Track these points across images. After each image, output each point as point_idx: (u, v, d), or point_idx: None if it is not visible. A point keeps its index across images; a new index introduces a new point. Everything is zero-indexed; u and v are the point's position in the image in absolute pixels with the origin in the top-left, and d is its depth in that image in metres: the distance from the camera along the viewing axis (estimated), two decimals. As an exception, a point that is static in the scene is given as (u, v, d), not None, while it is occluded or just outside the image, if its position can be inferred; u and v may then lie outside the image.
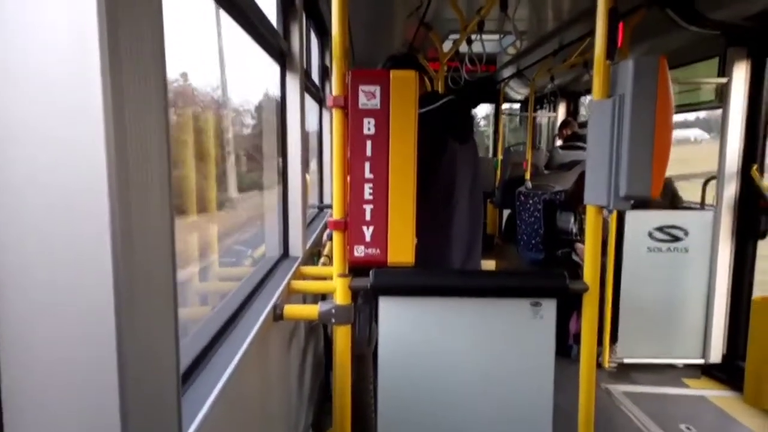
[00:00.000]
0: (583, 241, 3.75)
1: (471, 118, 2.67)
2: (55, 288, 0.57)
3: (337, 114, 1.68)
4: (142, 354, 0.63)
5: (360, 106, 1.67)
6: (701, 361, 3.53)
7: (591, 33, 3.47)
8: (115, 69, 0.55)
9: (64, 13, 0.54)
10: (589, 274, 1.80)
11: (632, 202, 1.75)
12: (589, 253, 1.83)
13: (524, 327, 1.80)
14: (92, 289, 0.57)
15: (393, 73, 1.67)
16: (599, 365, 3.48)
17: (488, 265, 5.37)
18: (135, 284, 0.60)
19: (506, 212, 5.96)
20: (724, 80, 3.36)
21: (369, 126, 1.68)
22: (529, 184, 5.36)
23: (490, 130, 7.58)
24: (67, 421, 0.58)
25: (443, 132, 2.29)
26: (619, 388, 3.35)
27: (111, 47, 0.55)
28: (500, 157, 6.55)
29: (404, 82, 1.69)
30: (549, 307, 1.79)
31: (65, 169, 0.55)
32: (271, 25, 1.85)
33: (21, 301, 0.57)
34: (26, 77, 0.55)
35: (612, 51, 1.74)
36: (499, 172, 6.37)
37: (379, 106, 1.67)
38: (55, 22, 0.54)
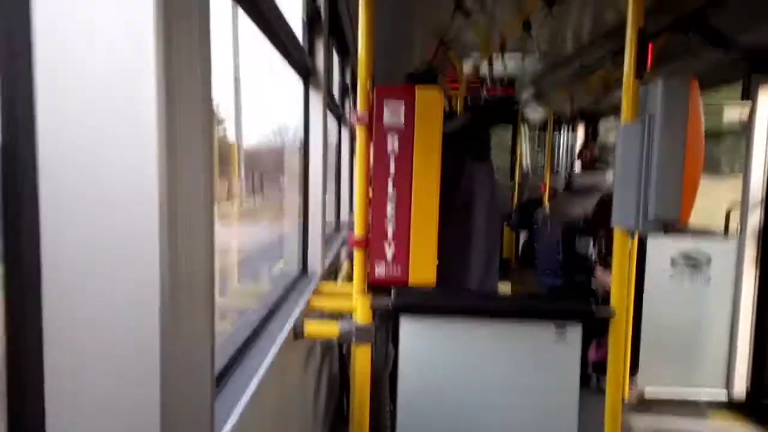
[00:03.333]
0: (602, 267, 3.68)
1: (488, 138, 2.66)
2: (104, 290, 0.57)
3: (361, 131, 1.67)
4: (182, 356, 0.63)
5: (384, 123, 1.66)
6: (724, 393, 3.42)
7: (611, 55, 3.45)
8: (169, 80, 0.56)
9: (122, 18, 0.54)
10: (617, 299, 1.75)
11: (661, 225, 1.71)
12: (616, 277, 1.79)
13: (548, 351, 1.75)
14: (137, 294, 0.57)
15: (419, 90, 1.66)
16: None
17: (504, 287, 5.29)
18: (179, 288, 0.61)
19: (522, 236, 5.90)
20: (747, 103, 3.31)
21: (393, 143, 1.67)
22: (547, 208, 5.31)
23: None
24: (109, 415, 0.59)
25: (461, 151, 2.28)
26: (640, 423, 3.24)
27: (165, 56, 0.55)
28: (518, 180, 6.50)
29: (430, 99, 1.68)
30: (574, 332, 1.74)
31: (117, 172, 0.56)
32: (298, 42, 1.86)
33: (66, 305, 0.57)
34: (83, 80, 0.55)
35: (641, 71, 1.72)
36: (516, 194, 6.31)
37: (403, 123, 1.66)
38: (112, 26, 0.54)
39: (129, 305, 0.57)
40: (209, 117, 0.70)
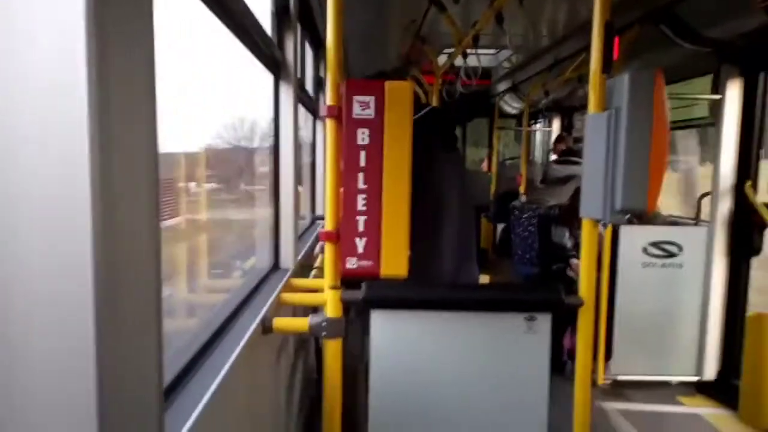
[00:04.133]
0: (578, 256, 3.74)
1: (454, 127, 2.66)
2: (32, 296, 0.54)
3: (330, 124, 1.66)
4: (122, 367, 0.60)
5: (354, 116, 1.65)
6: (696, 378, 3.50)
7: (586, 48, 3.49)
8: (102, 74, 0.54)
9: (52, 17, 0.52)
10: (585, 288, 1.78)
11: (627, 215, 1.74)
12: (584, 267, 1.81)
13: (519, 341, 1.77)
14: (70, 298, 0.54)
15: (388, 84, 1.66)
16: (593, 382, 3.44)
17: (482, 279, 5.33)
18: (116, 295, 0.58)
19: (500, 227, 5.95)
20: (717, 97, 3.38)
21: (363, 136, 1.66)
22: (523, 198, 5.35)
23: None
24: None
25: (427, 141, 2.28)
26: (613, 406, 3.30)
27: (98, 49, 0.53)
28: (494, 171, 6.55)
29: (399, 92, 1.67)
30: (544, 322, 1.76)
31: (46, 173, 0.54)
32: (266, 34, 1.84)
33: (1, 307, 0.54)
34: (10, 81, 0.53)
35: (608, 65, 1.74)
36: (493, 186, 6.36)
37: (373, 117, 1.66)
38: (42, 25, 0.52)
39: (59, 317, 0.55)
40: (152, 114, 0.67)
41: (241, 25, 1.59)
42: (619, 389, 3.51)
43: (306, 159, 3.65)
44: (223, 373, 1.10)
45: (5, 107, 0.53)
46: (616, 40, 1.99)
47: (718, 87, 3.40)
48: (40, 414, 0.56)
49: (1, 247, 0.54)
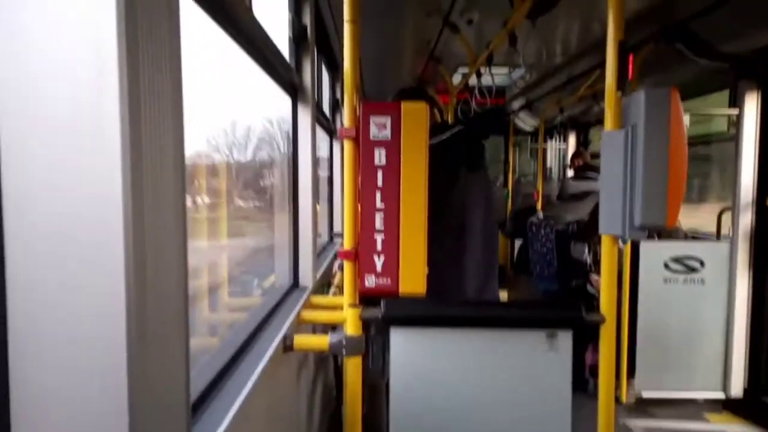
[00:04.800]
0: (597, 272, 3.70)
1: (482, 147, 2.68)
2: (67, 314, 0.56)
3: (348, 145, 1.69)
4: (152, 384, 0.62)
5: (371, 137, 1.68)
6: (722, 395, 3.42)
7: (600, 65, 3.50)
8: (132, 83, 0.56)
9: (84, 27, 0.55)
10: (606, 304, 1.77)
11: (647, 231, 1.73)
12: (605, 283, 1.80)
13: (539, 359, 1.76)
14: (103, 317, 0.56)
15: (404, 105, 1.69)
16: (617, 400, 3.38)
17: (500, 295, 5.29)
18: (147, 313, 0.60)
19: (518, 243, 5.91)
20: (735, 111, 3.35)
21: (380, 157, 1.69)
22: (540, 215, 5.33)
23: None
24: None
25: (454, 162, 2.29)
26: (638, 424, 3.24)
27: (129, 60, 0.56)
28: (511, 187, 6.54)
29: (415, 113, 1.70)
30: (565, 339, 1.75)
31: (80, 184, 0.55)
32: (284, 59, 1.89)
33: (31, 326, 0.56)
34: (45, 85, 0.55)
35: (623, 83, 1.75)
36: (510, 202, 6.35)
37: (390, 137, 1.69)
38: (74, 37, 0.55)
39: (91, 335, 0.56)
40: (180, 125, 0.69)
41: (261, 52, 1.64)
42: (644, 407, 3.44)
43: (323, 177, 3.69)
44: (246, 389, 1.12)
45: (37, 109, 0.55)
46: (630, 58, 2.00)
47: (735, 102, 3.38)
48: (73, 422, 0.57)
49: (39, 264, 0.56)
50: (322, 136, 3.42)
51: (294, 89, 2.21)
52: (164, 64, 0.65)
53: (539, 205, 5.65)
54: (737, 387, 3.38)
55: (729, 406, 3.41)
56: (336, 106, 3.97)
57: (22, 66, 0.55)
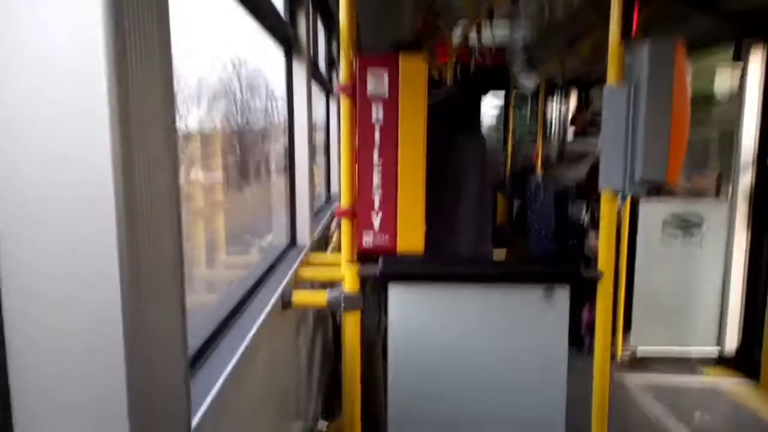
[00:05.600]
0: (595, 233, 3.70)
1: (478, 109, 2.65)
2: (60, 274, 0.56)
3: (344, 101, 1.66)
4: (149, 338, 0.62)
5: (368, 93, 1.65)
6: (716, 351, 3.48)
7: (604, 20, 3.41)
8: (120, 69, 0.55)
9: (71, 14, 0.53)
10: (604, 261, 1.77)
11: (647, 187, 1.72)
12: (604, 240, 1.80)
13: (537, 314, 1.77)
14: (98, 275, 0.56)
15: (402, 58, 1.65)
16: (612, 356, 3.44)
17: (498, 254, 5.33)
18: (141, 270, 0.60)
19: (516, 204, 5.91)
20: (739, 64, 3.29)
21: (377, 113, 1.66)
22: (539, 175, 5.30)
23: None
24: (75, 408, 0.58)
25: (450, 122, 2.27)
26: (632, 379, 3.30)
27: (117, 48, 0.54)
28: (511, 147, 6.49)
29: (414, 67, 1.66)
30: (562, 294, 1.76)
31: (68, 161, 0.55)
32: (277, 11, 1.83)
33: (26, 290, 0.56)
34: (31, 77, 0.54)
35: (627, 34, 1.70)
36: (509, 162, 6.31)
37: (387, 92, 1.65)
38: (61, 22, 0.53)
39: (87, 294, 0.56)
40: (170, 104, 0.67)
41: (254, 2, 1.58)
42: (639, 362, 3.50)
43: (320, 137, 3.65)
44: (244, 345, 1.12)
45: (21, 102, 0.54)
46: (636, 10, 1.94)
47: (739, 57, 3.31)
48: (71, 379, 0.58)
49: (26, 233, 0.55)
50: (318, 96, 3.36)
51: (288, 44, 2.15)
52: (151, 25, 0.63)
53: (539, 166, 5.62)
54: (731, 343, 3.44)
55: (723, 361, 3.47)
56: (332, 64, 3.88)
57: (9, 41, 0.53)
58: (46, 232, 0.56)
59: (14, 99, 0.54)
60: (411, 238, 1.71)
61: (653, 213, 3.45)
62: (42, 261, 0.56)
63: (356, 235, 1.70)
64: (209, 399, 0.89)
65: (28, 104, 0.54)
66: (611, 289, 1.79)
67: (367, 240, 1.72)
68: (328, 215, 3.10)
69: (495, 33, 3.53)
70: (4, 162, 0.54)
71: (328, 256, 2.35)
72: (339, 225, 2.12)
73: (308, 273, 1.95)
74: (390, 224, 1.70)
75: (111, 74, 0.54)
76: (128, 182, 0.56)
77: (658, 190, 3.51)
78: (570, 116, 6.07)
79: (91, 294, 0.56)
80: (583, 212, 4.06)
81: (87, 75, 0.54)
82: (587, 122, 5.10)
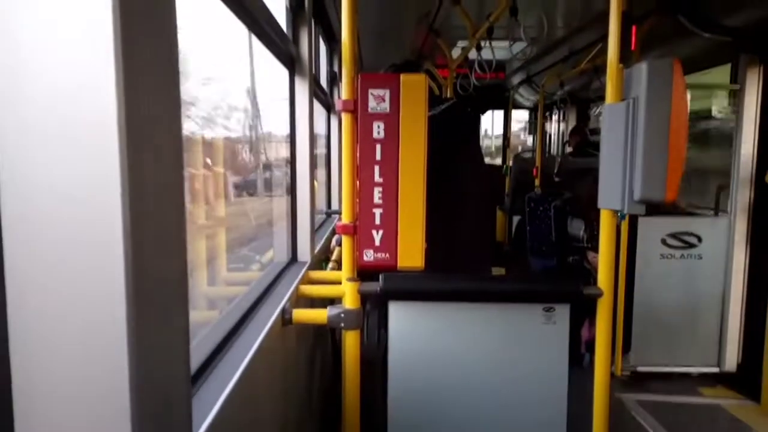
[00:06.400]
0: (593, 249, 3.71)
1: (475, 123, 2.67)
2: (66, 289, 0.56)
3: (346, 118, 1.67)
4: (153, 354, 0.62)
5: (369, 110, 1.66)
6: (716, 370, 3.46)
7: (601, 39, 3.45)
8: (129, 73, 0.55)
9: (80, 17, 0.54)
10: (604, 279, 1.77)
11: (645, 206, 1.73)
12: (603, 257, 1.80)
13: (537, 332, 1.77)
14: (103, 290, 0.56)
15: (403, 77, 1.67)
16: (612, 374, 3.42)
17: (498, 272, 5.33)
18: (146, 285, 0.60)
19: (516, 220, 5.92)
20: (736, 86, 3.32)
21: (378, 130, 1.67)
22: (539, 191, 5.32)
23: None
24: (78, 421, 0.58)
25: (446, 136, 2.29)
26: (632, 397, 3.28)
27: (125, 48, 0.55)
28: (509, 163, 6.51)
29: (414, 85, 1.68)
30: (562, 313, 1.76)
31: (77, 169, 0.55)
32: (281, 29, 1.86)
33: (32, 302, 0.56)
34: (37, 78, 0.54)
35: (625, 54, 1.72)
36: (508, 178, 6.33)
37: (388, 110, 1.67)
38: (69, 25, 0.54)
39: (92, 308, 0.56)
40: (177, 112, 0.68)
41: (258, 21, 1.61)
42: (639, 381, 3.48)
43: (321, 153, 3.67)
44: (246, 362, 1.13)
45: (26, 104, 0.54)
46: (633, 29, 1.96)
47: (737, 77, 3.34)
48: (75, 393, 0.58)
49: (33, 243, 0.56)
50: (319, 111, 3.38)
51: (291, 61, 2.17)
52: (160, 35, 0.64)
53: (537, 182, 5.64)
54: (731, 362, 3.42)
55: (723, 380, 3.45)
56: (333, 80, 3.92)
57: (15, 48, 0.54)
58: (52, 239, 0.56)
59: (21, 99, 0.54)
60: (411, 254, 1.71)
61: (652, 230, 3.46)
62: (47, 268, 0.56)
63: (357, 251, 1.71)
64: (211, 416, 0.89)
65: (35, 105, 0.54)
66: (611, 307, 1.79)
67: (368, 256, 1.72)
68: (329, 231, 3.11)
69: (495, 49, 3.57)
70: (8, 162, 0.54)
71: (329, 272, 2.35)
72: (339, 241, 2.12)
73: (309, 290, 1.95)
74: (391, 240, 1.71)
75: (119, 76, 0.54)
76: (135, 190, 0.56)
77: (656, 208, 3.52)
78: (569, 133, 6.10)
79: (95, 304, 0.56)
80: (583, 229, 4.07)
81: (94, 73, 0.54)
82: (580, 142, 5.13)
